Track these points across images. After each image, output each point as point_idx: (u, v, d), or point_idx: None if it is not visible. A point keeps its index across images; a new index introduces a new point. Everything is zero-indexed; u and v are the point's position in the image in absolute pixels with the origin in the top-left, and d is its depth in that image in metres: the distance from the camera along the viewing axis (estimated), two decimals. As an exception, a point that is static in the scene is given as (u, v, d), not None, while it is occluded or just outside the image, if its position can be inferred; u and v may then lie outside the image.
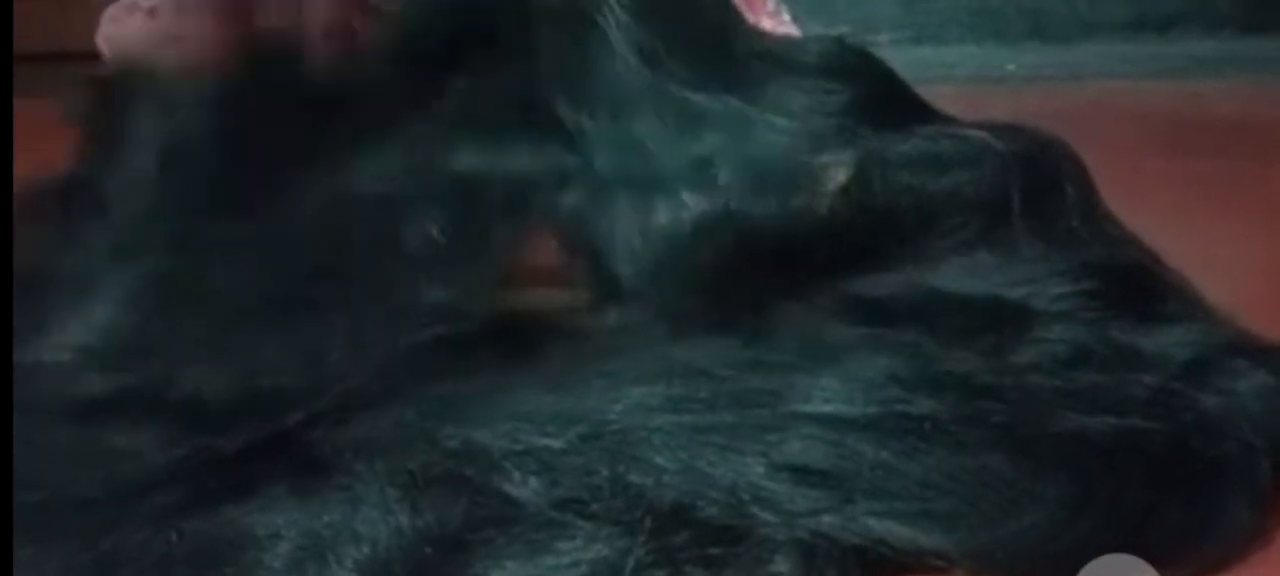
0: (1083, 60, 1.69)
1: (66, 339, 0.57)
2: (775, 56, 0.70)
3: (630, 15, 0.65)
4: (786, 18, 1.12)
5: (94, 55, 1.44)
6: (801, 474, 0.46)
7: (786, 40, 0.83)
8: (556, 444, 0.46)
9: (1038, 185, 0.64)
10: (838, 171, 0.63)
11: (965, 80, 1.54)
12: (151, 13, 1.39)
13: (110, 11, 1.44)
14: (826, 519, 0.44)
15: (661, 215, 0.63)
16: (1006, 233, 0.62)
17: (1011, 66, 1.68)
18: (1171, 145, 1.32)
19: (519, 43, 0.66)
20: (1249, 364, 0.55)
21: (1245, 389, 0.53)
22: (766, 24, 1.06)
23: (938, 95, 0.74)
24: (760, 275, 0.60)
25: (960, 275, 0.59)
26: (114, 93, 0.70)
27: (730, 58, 0.68)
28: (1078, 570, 0.44)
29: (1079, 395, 0.51)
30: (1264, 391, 0.53)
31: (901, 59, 0.78)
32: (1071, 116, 1.33)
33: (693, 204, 0.62)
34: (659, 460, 0.46)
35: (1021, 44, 1.74)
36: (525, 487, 0.45)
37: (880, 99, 0.69)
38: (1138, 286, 0.60)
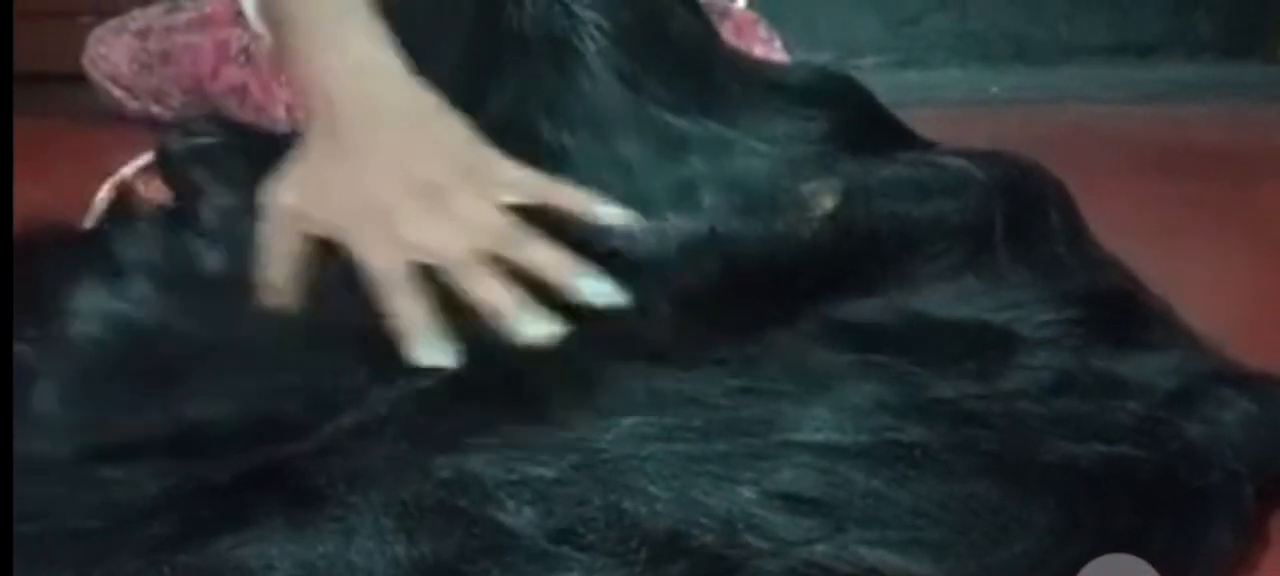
0: (1065, 84, 1.71)
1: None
2: (757, 82, 0.70)
3: (609, 39, 0.65)
4: (778, 45, 1.13)
5: (79, 77, 1.44)
6: (794, 502, 0.46)
7: (769, 66, 0.84)
8: (550, 473, 0.46)
9: (1021, 212, 0.64)
10: (825, 197, 0.63)
11: (949, 103, 1.55)
12: (140, 34, 1.39)
13: (97, 33, 1.45)
14: (820, 548, 0.44)
15: (648, 237, 0.63)
16: (991, 259, 0.62)
17: (994, 89, 1.70)
18: (1153, 168, 1.33)
19: (500, 67, 0.66)
20: (1232, 392, 0.55)
21: (1229, 418, 0.53)
22: (758, 51, 1.07)
23: (922, 119, 0.74)
24: (745, 300, 0.60)
25: (946, 300, 0.59)
26: None
27: (710, 82, 0.68)
28: None
29: (1065, 422, 0.52)
30: (1247, 419, 0.54)
31: (886, 82, 0.79)
32: (1054, 139, 1.34)
33: (678, 226, 0.62)
34: (652, 489, 0.46)
35: (1004, 67, 1.76)
36: (520, 517, 0.45)
37: (862, 125, 0.69)
38: (1122, 313, 0.61)
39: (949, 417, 0.50)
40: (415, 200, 0.57)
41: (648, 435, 0.49)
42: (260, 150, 0.67)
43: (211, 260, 0.62)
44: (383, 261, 0.56)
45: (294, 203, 0.60)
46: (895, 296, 0.59)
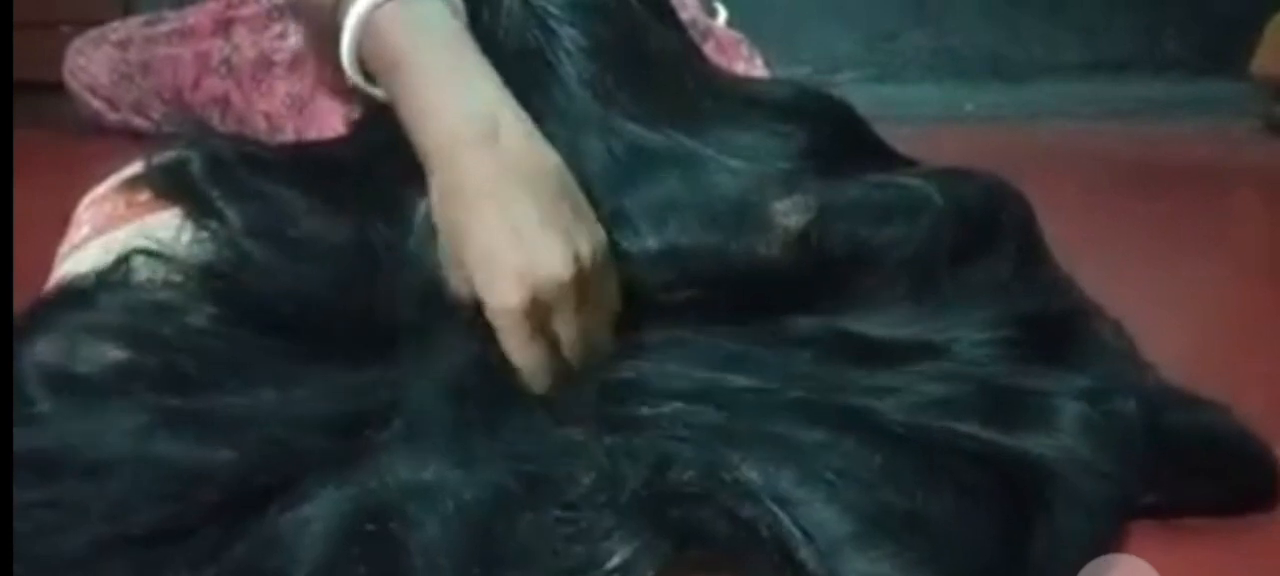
0: (1039, 100, 1.73)
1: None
2: (734, 98, 0.71)
3: (585, 54, 0.66)
4: (759, 63, 1.14)
5: (58, 86, 1.44)
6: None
7: (748, 82, 0.84)
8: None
9: (976, 235, 0.65)
10: (795, 216, 0.64)
11: (925, 120, 1.56)
12: (121, 45, 1.39)
13: (76, 44, 1.44)
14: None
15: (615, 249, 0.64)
16: (939, 282, 0.63)
17: (969, 106, 1.71)
18: (1128, 183, 1.35)
19: None
20: (1129, 406, 0.57)
21: (1110, 428, 0.55)
22: (741, 69, 1.08)
23: (897, 135, 0.75)
24: (704, 311, 0.61)
25: (890, 320, 0.61)
26: None
27: (685, 98, 0.69)
28: None
29: (977, 428, 0.54)
30: (1128, 430, 0.56)
31: (863, 98, 0.79)
32: (1029, 156, 1.35)
33: (644, 242, 0.63)
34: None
35: (980, 84, 1.78)
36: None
37: (839, 143, 0.70)
38: (1057, 333, 0.62)
39: (876, 425, 0.53)
40: (567, 278, 0.56)
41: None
42: (264, 161, 0.67)
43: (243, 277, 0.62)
44: (528, 356, 0.56)
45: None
46: (844, 314, 0.61)
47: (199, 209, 0.64)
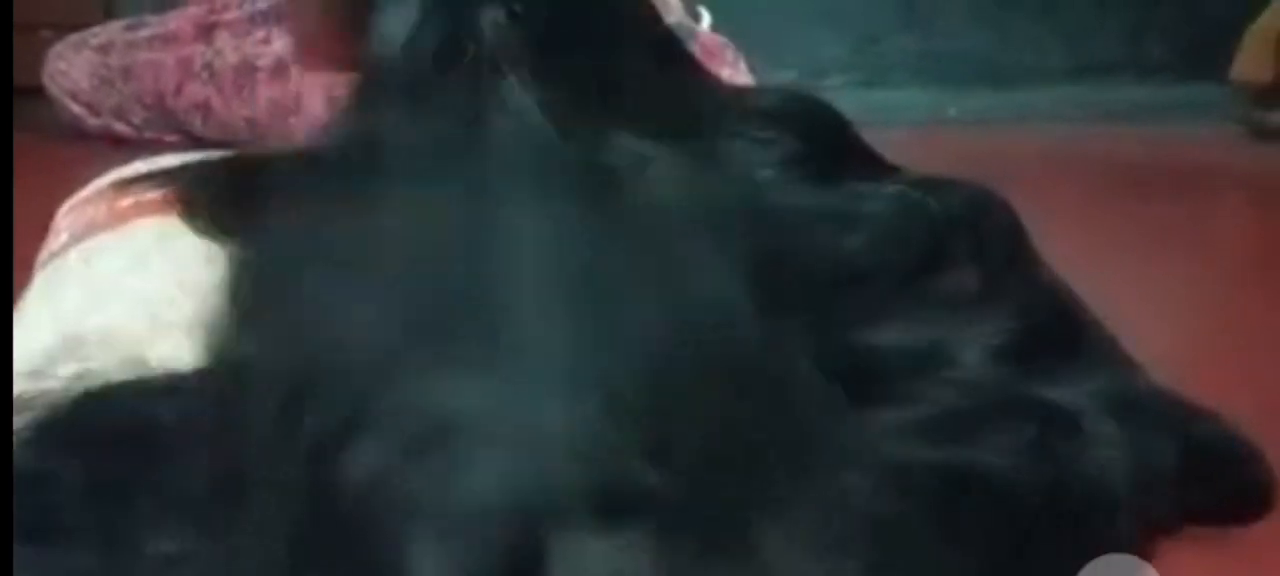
0: (1026, 104, 1.73)
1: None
2: (717, 105, 0.71)
3: None
4: (744, 68, 1.14)
5: (37, 91, 1.43)
6: None
7: (732, 88, 0.84)
8: None
9: (960, 245, 0.65)
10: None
11: (912, 124, 1.56)
12: (102, 49, 1.38)
13: (56, 48, 1.43)
14: None
15: None
16: (925, 287, 0.63)
17: (952, 111, 1.72)
18: (1109, 186, 1.36)
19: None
20: (1131, 419, 0.56)
21: (1120, 443, 0.54)
22: (725, 74, 1.08)
23: (884, 140, 0.75)
24: None
25: (882, 332, 0.60)
26: None
27: (667, 104, 0.69)
28: None
29: (960, 441, 0.53)
30: (1138, 445, 0.55)
31: (849, 103, 0.79)
32: (1014, 158, 1.36)
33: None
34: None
35: (966, 88, 1.78)
36: None
37: (824, 150, 0.70)
38: (1047, 339, 0.62)
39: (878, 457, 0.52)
40: None
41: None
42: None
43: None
44: None
45: None
46: (830, 321, 0.60)
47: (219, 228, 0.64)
